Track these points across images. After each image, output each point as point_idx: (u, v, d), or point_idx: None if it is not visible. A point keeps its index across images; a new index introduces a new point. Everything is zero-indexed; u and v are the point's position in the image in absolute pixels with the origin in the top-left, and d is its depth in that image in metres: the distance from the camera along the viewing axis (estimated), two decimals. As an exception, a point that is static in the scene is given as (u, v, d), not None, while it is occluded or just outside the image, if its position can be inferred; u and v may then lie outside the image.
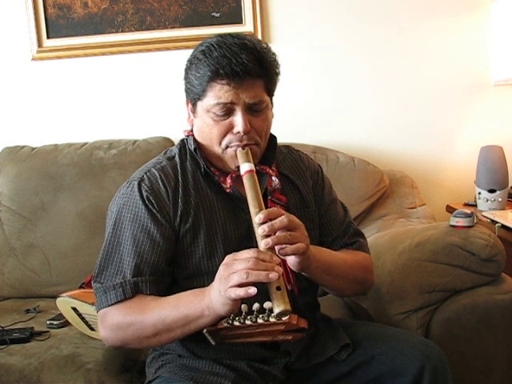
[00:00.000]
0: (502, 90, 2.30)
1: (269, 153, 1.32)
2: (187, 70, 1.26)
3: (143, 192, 1.23)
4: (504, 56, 2.18)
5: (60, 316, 1.70)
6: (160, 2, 2.29)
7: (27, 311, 1.80)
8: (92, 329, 1.56)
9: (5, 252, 2.04)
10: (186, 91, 1.27)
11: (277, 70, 1.26)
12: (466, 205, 2.16)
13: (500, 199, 2.07)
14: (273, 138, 1.33)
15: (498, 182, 2.08)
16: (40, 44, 2.32)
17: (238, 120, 1.19)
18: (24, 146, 2.20)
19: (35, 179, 2.08)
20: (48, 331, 1.61)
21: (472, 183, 2.17)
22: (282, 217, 1.09)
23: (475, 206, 2.14)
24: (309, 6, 2.29)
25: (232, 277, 1.02)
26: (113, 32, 2.31)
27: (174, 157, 1.31)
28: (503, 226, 1.82)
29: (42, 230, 2.03)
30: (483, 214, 1.99)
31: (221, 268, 1.07)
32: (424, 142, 2.33)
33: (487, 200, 2.08)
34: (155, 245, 1.20)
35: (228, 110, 1.20)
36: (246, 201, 1.16)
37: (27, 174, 2.09)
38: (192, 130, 1.32)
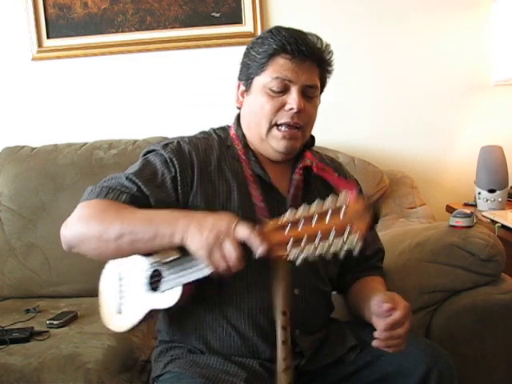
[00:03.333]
0: (501, 90, 2.29)
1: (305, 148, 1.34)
2: (249, 49, 1.30)
3: (168, 152, 1.25)
4: (504, 56, 2.18)
5: (60, 316, 1.70)
6: (160, 1, 2.29)
7: (27, 311, 1.80)
8: (119, 311, 1.30)
9: (5, 252, 2.04)
10: (242, 70, 1.30)
11: (331, 68, 1.31)
12: (466, 205, 2.16)
13: (500, 199, 2.07)
14: (312, 137, 1.36)
15: (497, 181, 2.08)
16: (40, 44, 2.32)
17: (293, 97, 1.22)
18: (24, 146, 2.20)
19: (35, 179, 2.08)
20: (48, 331, 1.61)
21: (472, 183, 2.17)
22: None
23: (475, 205, 2.14)
24: (309, 6, 2.29)
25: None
26: (113, 32, 2.31)
27: (210, 134, 1.35)
28: (503, 226, 1.82)
29: (42, 230, 2.03)
30: (483, 214, 1.99)
31: (225, 223, 1.05)
32: (424, 141, 2.33)
33: (487, 200, 2.08)
34: (159, 184, 1.21)
35: (284, 87, 1.23)
36: (275, 189, 1.25)
37: (27, 173, 2.09)
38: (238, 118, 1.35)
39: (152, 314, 1.23)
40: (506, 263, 1.51)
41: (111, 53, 2.32)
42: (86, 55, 2.32)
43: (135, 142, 2.16)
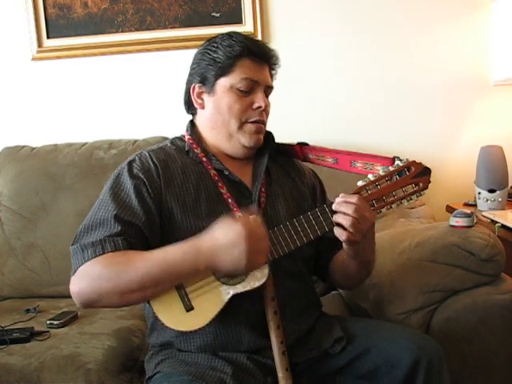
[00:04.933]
0: (501, 90, 2.29)
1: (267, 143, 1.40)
2: (203, 53, 1.34)
3: (134, 169, 1.27)
4: (504, 56, 2.18)
5: (60, 316, 1.70)
6: (160, 2, 2.29)
7: (27, 311, 1.80)
8: (189, 307, 1.17)
9: (5, 252, 2.04)
10: (196, 72, 1.35)
11: (275, 71, 1.40)
12: (466, 205, 2.16)
13: (500, 199, 2.07)
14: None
15: (497, 181, 2.08)
16: (40, 44, 2.32)
17: (260, 97, 1.32)
18: (24, 146, 2.20)
19: (35, 179, 2.08)
20: (48, 331, 1.61)
21: (472, 183, 2.17)
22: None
23: (475, 205, 2.13)
24: (309, 6, 2.29)
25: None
26: (113, 32, 2.31)
27: (166, 145, 1.39)
28: (503, 226, 1.82)
29: (42, 230, 2.04)
30: (483, 213, 1.99)
31: (243, 237, 1.12)
32: (424, 141, 2.33)
33: (487, 200, 2.08)
34: (141, 211, 1.22)
35: (250, 88, 1.32)
36: (240, 183, 1.31)
37: (27, 173, 2.09)
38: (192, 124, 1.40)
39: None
40: (506, 263, 1.50)
41: (111, 53, 2.32)
42: (85, 55, 2.32)
43: (135, 141, 2.16)
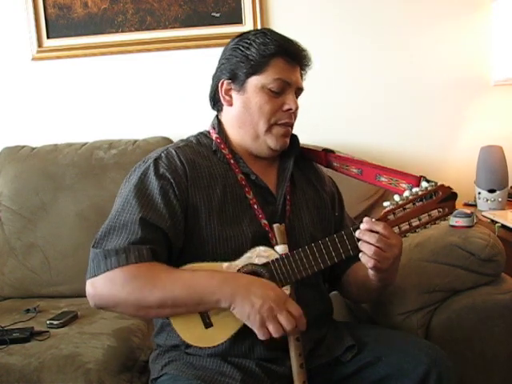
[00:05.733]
0: (501, 90, 2.29)
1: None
2: (235, 48, 1.30)
3: (160, 168, 1.23)
4: (504, 56, 2.18)
5: (60, 316, 1.70)
6: (160, 2, 2.29)
7: (27, 311, 1.80)
8: (209, 324, 1.17)
9: (5, 252, 2.04)
10: (226, 68, 1.31)
11: (305, 72, 1.38)
12: (466, 205, 2.16)
13: (500, 199, 2.07)
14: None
15: (497, 181, 2.08)
16: (40, 44, 2.32)
17: (291, 99, 1.28)
18: (24, 146, 2.20)
19: (35, 179, 2.08)
20: (48, 331, 1.61)
21: (472, 183, 2.17)
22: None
23: (475, 205, 2.13)
24: (309, 6, 2.29)
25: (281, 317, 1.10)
26: (113, 32, 2.31)
27: (191, 141, 1.35)
28: (503, 226, 1.82)
29: (42, 230, 2.03)
30: (483, 213, 1.98)
31: (273, 295, 1.11)
32: (424, 142, 2.33)
33: (487, 200, 2.08)
34: (166, 214, 1.18)
35: (282, 89, 1.28)
36: (266, 189, 1.29)
37: (27, 173, 2.09)
38: (217, 122, 1.36)
39: None
40: (506, 263, 1.50)
41: (111, 53, 2.32)
42: (85, 55, 2.32)
43: (135, 141, 2.16)
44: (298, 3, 2.30)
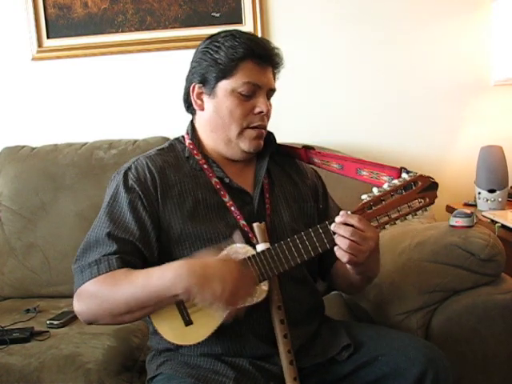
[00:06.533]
0: (501, 90, 2.29)
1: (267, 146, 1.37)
2: (204, 51, 1.29)
3: (129, 181, 1.25)
4: (504, 56, 2.18)
5: (60, 316, 1.70)
6: (160, 1, 2.29)
7: (27, 311, 1.80)
8: (188, 322, 1.18)
9: (5, 252, 2.04)
10: (197, 72, 1.30)
11: (278, 70, 1.35)
12: (466, 205, 2.16)
13: (500, 199, 2.07)
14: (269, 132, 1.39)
15: (497, 181, 2.08)
16: (40, 44, 2.32)
17: (262, 101, 1.27)
18: (24, 146, 2.20)
19: (35, 179, 2.08)
20: (48, 331, 1.61)
21: (472, 183, 2.17)
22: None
23: (475, 205, 2.13)
24: (309, 6, 2.29)
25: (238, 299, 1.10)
26: (113, 32, 2.31)
27: (163, 148, 1.36)
28: (503, 226, 1.82)
29: (42, 230, 2.03)
30: (483, 213, 1.98)
31: (229, 277, 1.09)
32: (424, 141, 2.33)
33: (487, 200, 2.08)
34: (135, 227, 1.21)
35: (252, 92, 1.27)
36: (241, 190, 1.29)
37: (27, 173, 2.09)
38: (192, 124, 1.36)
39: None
40: (506, 263, 1.50)
41: (111, 53, 2.32)
42: (85, 55, 2.32)
43: (135, 141, 2.16)
44: (298, 3, 2.30)
